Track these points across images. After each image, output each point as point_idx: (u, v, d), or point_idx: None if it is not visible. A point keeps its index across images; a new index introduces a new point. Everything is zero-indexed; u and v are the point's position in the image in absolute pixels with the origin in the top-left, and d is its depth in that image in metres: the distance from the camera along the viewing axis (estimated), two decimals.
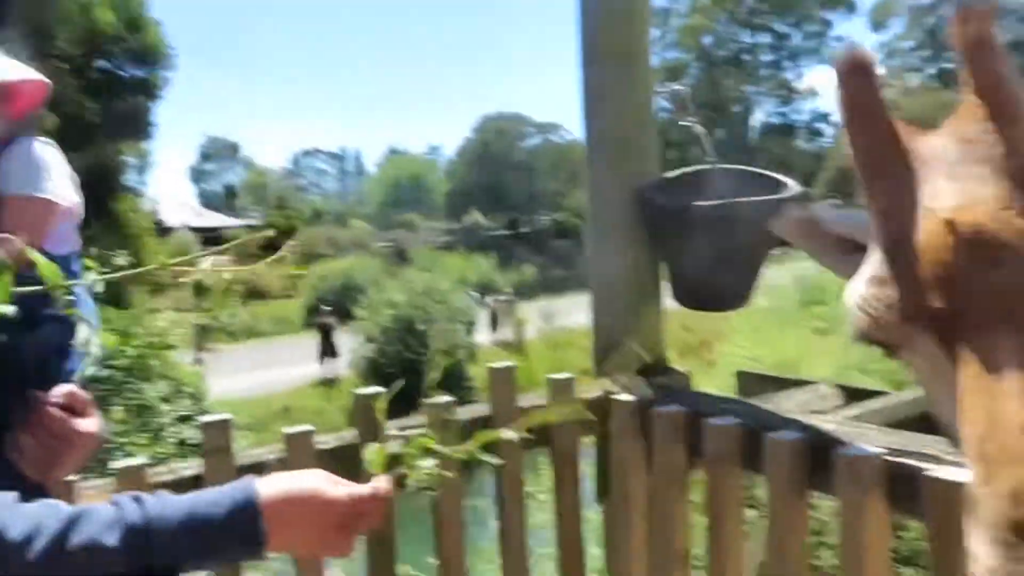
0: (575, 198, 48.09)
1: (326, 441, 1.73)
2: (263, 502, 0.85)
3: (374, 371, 17.48)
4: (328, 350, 18.90)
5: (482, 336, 20.92)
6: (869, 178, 0.95)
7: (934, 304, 0.84)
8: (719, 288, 2.17)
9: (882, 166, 0.95)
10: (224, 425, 1.66)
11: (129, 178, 17.14)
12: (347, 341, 18.57)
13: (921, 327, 0.87)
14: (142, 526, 0.81)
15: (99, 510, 0.81)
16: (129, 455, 8.82)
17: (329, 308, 19.88)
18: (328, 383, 18.38)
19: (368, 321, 18.29)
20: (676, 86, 2.50)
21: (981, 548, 0.74)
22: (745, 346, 11.78)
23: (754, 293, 2.24)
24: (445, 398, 1.83)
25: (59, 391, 1.16)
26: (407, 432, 1.15)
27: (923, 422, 1.93)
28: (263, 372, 17.92)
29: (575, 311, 22.12)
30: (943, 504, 1.17)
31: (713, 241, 2.10)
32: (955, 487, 1.15)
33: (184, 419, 11.02)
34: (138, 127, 15.56)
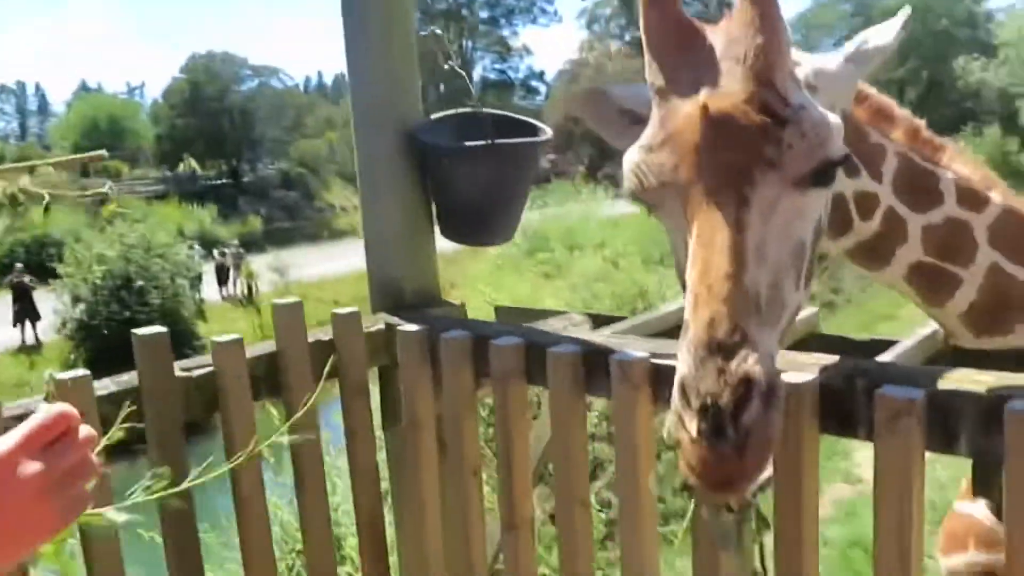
0: (300, 147, 46.34)
1: (104, 386, 1.62)
2: None
3: (87, 334, 15.80)
4: (25, 313, 16.67)
5: (210, 292, 19.71)
6: (654, 57, 1.14)
7: (682, 173, 1.07)
8: (486, 223, 2.32)
9: (665, 49, 1.15)
10: None
11: None
12: (47, 302, 16.53)
13: (672, 192, 1.09)
14: None
15: None
16: None
17: (21, 266, 17.47)
18: (28, 350, 16.29)
19: (74, 279, 16.41)
20: (436, 29, 2.58)
21: (682, 360, 1.02)
22: (484, 290, 12.39)
23: (516, 228, 2.43)
24: (233, 336, 1.79)
25: None
26: None
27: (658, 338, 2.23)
28: None
29: (307, 263, 21.61)
30: None
31: (480, 178, 2.24)
32: None
33: None
34: None
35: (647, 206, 1.20)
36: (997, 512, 1.57)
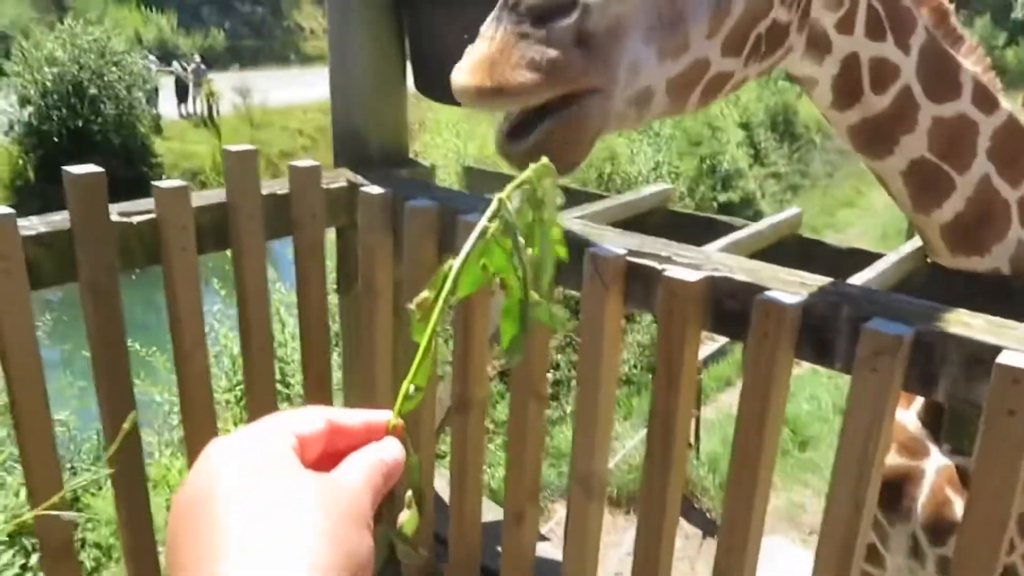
0: None
1: (32, 225, 1.48)
2: None
3: (38, 140, 15.11)
4: None
5: (169, 108, 18.86)
6: None
7: None
8: None
9: None
10: None
11: None
12: None
13: None
14: None
15: None
16: None
17: None
18: None
19: (23, 79, 15.49)
20: None
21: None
22: (448, 139, 12.03)
23: None
24: (177, 182, 1.65)
25: None
26: None
27: (639, 224, 2.14)
28: None
29: (273, 87, 20.64)
30: (673, 300, 1.33)
31: (465, 25, 2.03)
32: (685, 285, 1.31)
33: None
34: None
35: None
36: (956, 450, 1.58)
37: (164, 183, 1.62)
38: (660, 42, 0.98)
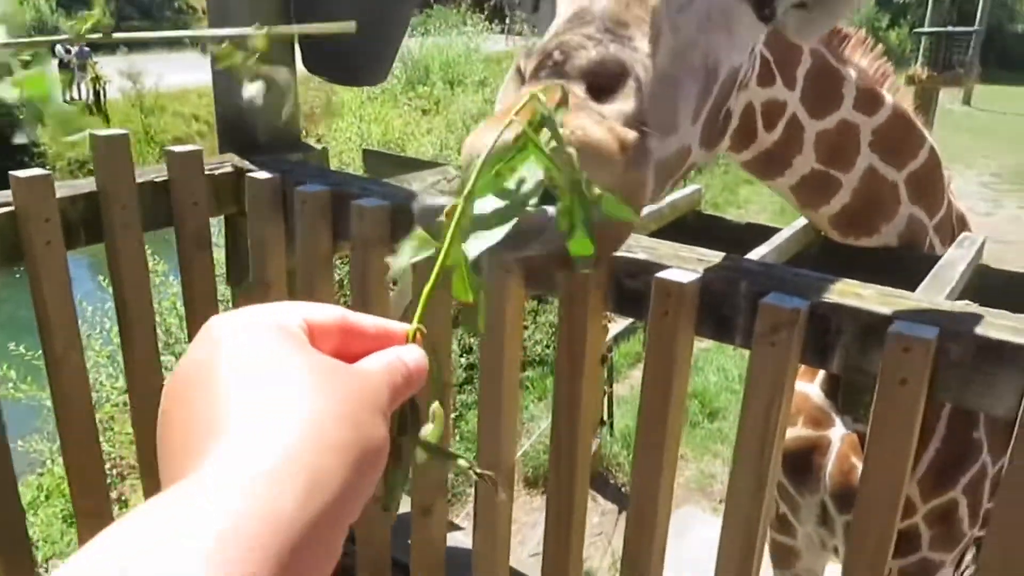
0: None
1: None
2: None
3: None
4: None
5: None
6: None
7: None
8: (359, 58, 2.05)
9: None
10: None
11: None
12: None
13: None
14: None
15: None
16: None
17: None
18: None
19: None
20: None
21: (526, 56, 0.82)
22: (353, 123, 11.75)
23: (391, 67, 2.17)
24: (38, 171, 1.51)
25: None
26: None
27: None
28: None
29: (166, 71, 19.68)
30: (574, 283, 1.30)
31: (356, 4, 1.94)
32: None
33: None
34: None
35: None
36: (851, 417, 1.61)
37: (23, 172, 1.48)
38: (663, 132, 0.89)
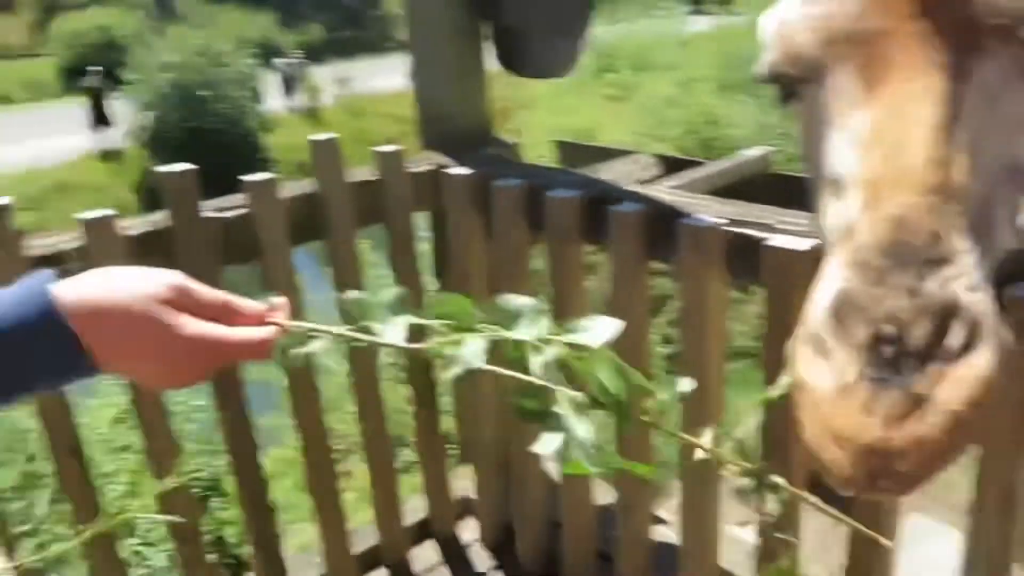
0: None
1: (132, 226, 1.52)
2: (67, 308, 0.66)
3: (160, 142, 15.97)
4: (100, 118, 16.79)
5: (274, 103, 19.55)
6: None
7: (870, 20, 0.74)
8: (549, 50, 2.06)
9: None
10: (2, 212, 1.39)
11: None
12: (118, 107, 16.61)
13: (842, 52, 0.77)
14: None
15: None
16: None
17: (98, 69, 17.34)
18: (108, 156, 16.58)
19: (141, 85, 16.37)
20: None
21: (839, 274, 0.68)
22: (545, 115, 11.89)
23: (579, 56, 2.16)
24: (265, 175, 1.65)
25: None
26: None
27: (740, 190, 2.02)
28: (27, 143, 15.76)
29: (372, 76, 21.04)
30: (781, 272, 1.23)
31: None
32: (793, 255, 1.21)
33: None
34: None
35: (791, 82, 0.83)
36: None
37: (253, 176, 1.63)
38: None
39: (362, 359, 1.85)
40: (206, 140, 15.50)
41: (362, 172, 1.81)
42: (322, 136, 1.73)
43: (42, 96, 22.32)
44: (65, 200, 13.69)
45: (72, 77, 20.58)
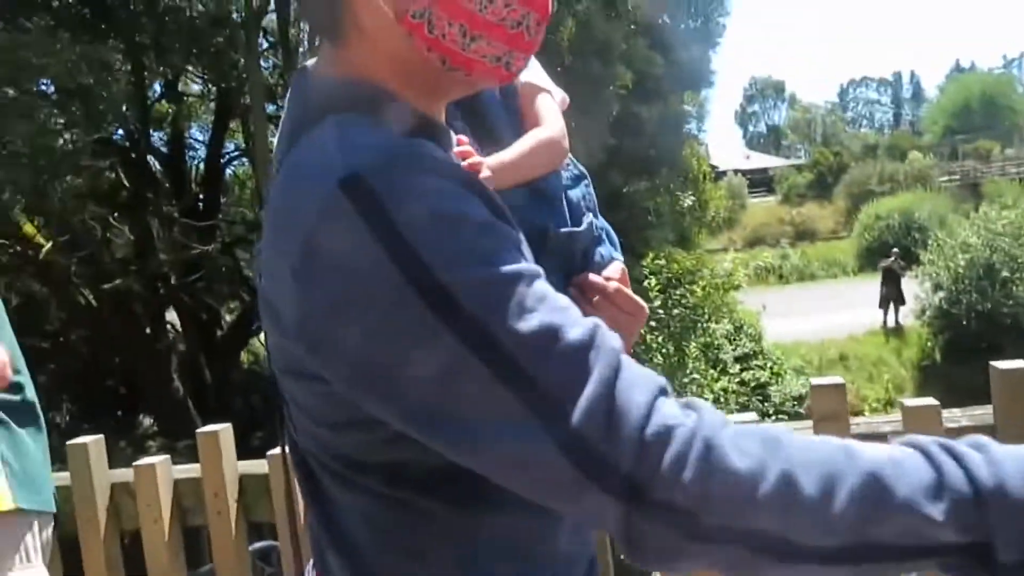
0: None
1: (956, 419, 1.56)
2: None
3: (945, 323, 15.71)
4: (892, 296, 17.49)
5: None
6: None
7: None
8: None
9: None
10: (838, 391, 1.60)
11: (689, 126, 18.09)
12: (909, 287, 17.03)
13: None
14: (973, 498, 0.55)
15: (906, 463, 0.57)
16: (700, 386, 9.54)
17: (897, 251, 18.28)
18: (892, 332, 17.14)
19: (936, 266, 16.43)
20: None
21: None
22: None
23: None
24: None
25: (614, 269, 1.06)
26: None
27: None
28: (817, 316, 17.50)
29: None
30: None
31: None
32: None
33: (742, 358, 11.32)
34: (698, 77, 16.22)
35: None
36: None
37: None
38: None
39: None
40: (998, 323, 14.49)
41: None
42: None
43: (840, 274, 24.45)
44: (842, 370, 14.52)
45: (870, 257, 21.95)
